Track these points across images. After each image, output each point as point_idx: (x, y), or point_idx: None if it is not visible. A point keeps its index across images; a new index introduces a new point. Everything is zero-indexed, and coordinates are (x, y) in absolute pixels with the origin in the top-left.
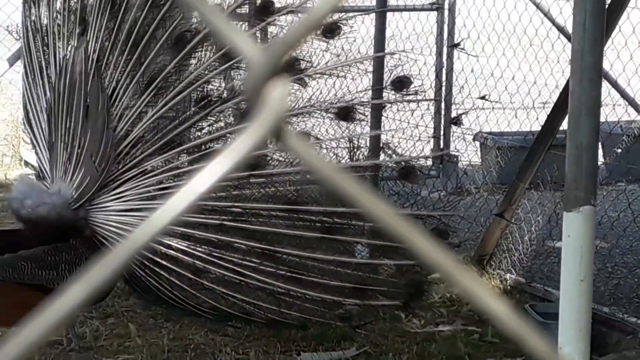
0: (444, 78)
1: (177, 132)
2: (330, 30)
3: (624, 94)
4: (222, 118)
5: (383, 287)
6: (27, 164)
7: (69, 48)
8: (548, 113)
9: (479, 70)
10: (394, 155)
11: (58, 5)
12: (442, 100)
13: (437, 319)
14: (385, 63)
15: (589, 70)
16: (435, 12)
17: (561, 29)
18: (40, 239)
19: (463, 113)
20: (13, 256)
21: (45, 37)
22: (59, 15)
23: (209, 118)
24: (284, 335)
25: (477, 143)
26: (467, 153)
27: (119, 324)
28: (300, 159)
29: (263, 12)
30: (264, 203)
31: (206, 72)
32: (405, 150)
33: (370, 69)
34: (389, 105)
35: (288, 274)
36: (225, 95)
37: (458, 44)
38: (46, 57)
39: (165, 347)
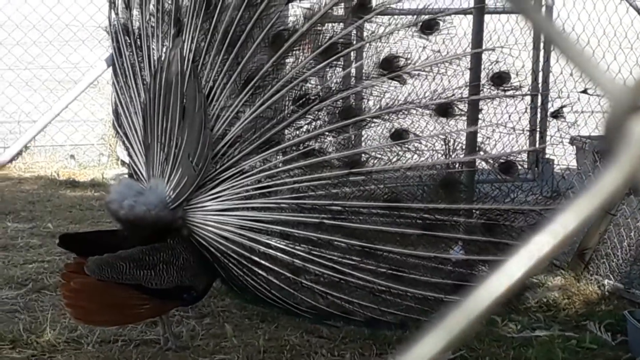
0: (540, 78)
1: (275, 131)
2: (429, 27)
3: None
4: (320, 116)
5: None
6: (124, 163)
7: (164, 49)
8: None
9: (578, 74)
10: (485, 153)
11: (151, 7)
12: (539, 97)
13: (533, 323)
14: (483, 60)
15: None
16: None
17: None
18: (138, 239)
19: (563, 106)
20: (112, 256)
21: (138, 39)
22: (152, 17)
23: (307, 117)
24: (379, 337)
25: (575, 147)
26: (565, 157)
27: (215, 324)
28: None
29: (360, 10)
30: (363, 201)
31: (304, 71)
32: (505, 146)
33: (469, 65)
34: (489, 101)
35: (388, 271)
36: (322, 93)
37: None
38: (139, 59)
39: (261, 348)
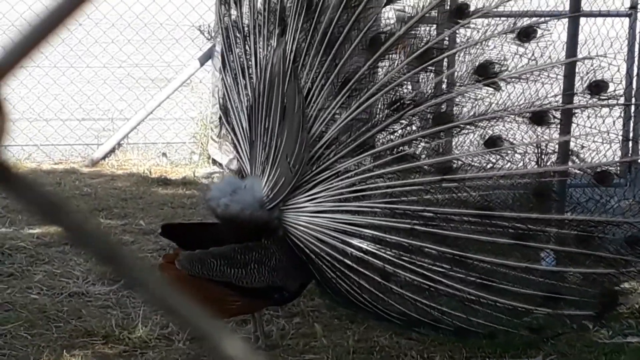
0: (634, 85)
1: (369, 134)
2: (526, 34)
3: None
4: (413, 122)
5: (575, 296)
6: (215, 162)
7: (269, 48)
8: None
9: None
10: (581, 162)
11: (259, 5)
12: (632, 105)
13: (625, 330)
14: (577, 68)
15: None
16: (628, 19)
17: None
18: (234, 236)
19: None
20: (203, 252)
21: (247, 37)
22: (259, 16)
23: (401, 121)
24: (514, 340)
25: None
26: None
27: (305, 324)
28: None
29: (458, 15)
30: (455, 208)
31: (399, 75)
32: (598, 156)
33: (563, 73)
34: (583, 109)
35: (478, 280)
36: (417, 98)
37: None
38: (247, 56)
39: (350, 349)
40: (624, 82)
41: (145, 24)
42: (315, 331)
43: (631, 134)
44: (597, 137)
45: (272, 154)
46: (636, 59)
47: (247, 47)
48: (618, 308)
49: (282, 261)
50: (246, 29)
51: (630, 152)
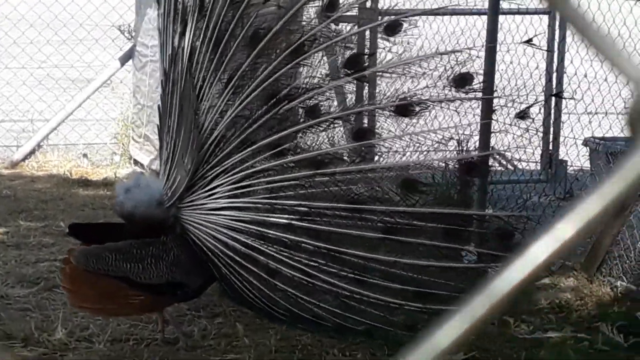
0: (554, 82)
1: (250, 130)
2: (392, 28)
3: None
4: (289, 117)
5: (445, 291)
6: (136, 162)
7: (173, 47)
8: None
9: (592, 75)
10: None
11: (170, 4)
12: (553, 101)
13: (545, 325)
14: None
15: None
16: (547, 16)
17: None
18: (133, 234)
19: (529, 107)
20: (99, 247)
21: (160, 36)
22: (170, 13)
23: (277, 117)
24: (390, 338)
25: (588, 148)
26: (579, 158)
27: (227, 324)
28: None
29: (329, 9)
30: (328, 202)
31: (275, 70)
32: (467, 147)
33: (433, 67)
34: (449, 102)
35: (351, 275)
36: (292, 93)
37: (530, 40)
38: (161, 55)
39: (272, 348)
40: (542, 81)
41: (64, 24)
42: (237, 331)
43: (552, 134)
44: (467, 130)
45: (170, 153)
46: (555, 57)
47: (161, 47)
48: (534, 300)
49: (181, 257)
50: (159, 28)
51: (551, 148)
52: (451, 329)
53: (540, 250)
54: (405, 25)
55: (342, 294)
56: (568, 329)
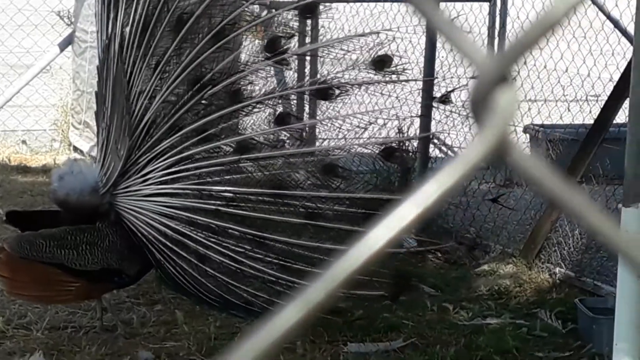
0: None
1: (178, 115)
2: (309, 11)
3: None
4: (213, 101)
5: (367, 276)
6: (76, 149)
7: (106, 33)
8: (601, 107)
9: (532, 62)
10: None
11: None
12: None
13: (485, 311)
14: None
15: None
16: (488, 3)
17: (616, 22)
18: (69, 221)
19: (450, 91)
20: (32, 234)
21: (96, 22)
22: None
23: (202, 102)
24: (331, 325)
25: (528, 135)
26: (517, 145)
27: (166, 311)
28: (525, 173)
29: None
30: (252, 188)
31: (198, 55)
32: (388, 132)
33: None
34: (370, 85)
35: (276, 261)
36: (215, 78)
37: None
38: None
39: (211, 335)
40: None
41: (2, 10)
42: (176, 318)
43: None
44: (386, 115)
45: (105, 139)
46: (496, 45)
47: (96, 33)
48: (413, 289)
49: (117, 244)
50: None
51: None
52: (287, 316)
53: (380, 234)
54: (321, 6)
55: (268, 279)
56: (507, 316)
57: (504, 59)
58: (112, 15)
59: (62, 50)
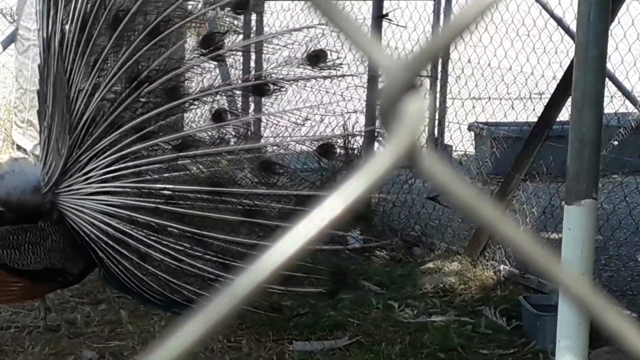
0: (439, 68)
1: (117, 113)
2: (241, 6)
3: (620, 87)
4: (151, 99)
5: (305, 273)
6: (19, 147)
7: (47, 31)
8: (545, 104)
9: (476, 60)
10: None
11: None
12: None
13: (430, 309)
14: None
15: (593, 62)
16: (432, 2)
17: (559, 21)
18: (10, 220)
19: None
20: None
21: (37, 20)
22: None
23: (140, 99)
24: (276, 323)
25: (472, 133)
26: (463, 143)
27: (110, 310)
28: (435, 181)
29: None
30: (190, 185)
31: (134, 52)
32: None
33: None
34: (307, 80)
35: (215, 259)
36: (152, 75)
37: (386, 15)
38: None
39: (156, 334)
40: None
41: None
42: (120, 317)
43: (437, 119)
44: (322, 109)
45: (47, 138)
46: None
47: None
48: (353, 285)
49: (59, 243)
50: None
51: (436, 135)
52: (210, 313)
53: (276, 257)
54: (252, 2)
55: (208, 277)
56: (452, 313)
57: (412, 65)
58: (52, 13)
59: (4, 48)
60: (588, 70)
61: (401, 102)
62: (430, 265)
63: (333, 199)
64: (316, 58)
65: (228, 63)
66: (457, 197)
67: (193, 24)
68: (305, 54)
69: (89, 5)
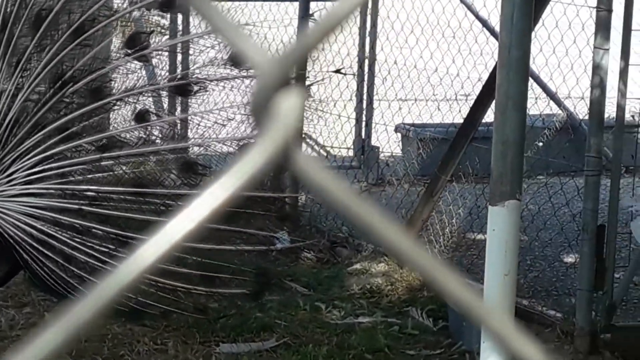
0: (366, 69)
1: (40, 114)
2: (168, 4)
3: (545, 89)
4: (74, 99)
5: (228, 274)
6: None
7: None
8: (470, 106)
9: (402, 62)
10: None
11: None
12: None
13: (357, 310)
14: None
15: (516, 63)
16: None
17: (484, 22)
18: None
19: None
20: None
21: None
22: None
23: (64, 99)
24: (202, 325)
25: (399, 135)
26: (389, 144)
27: (35, 314)
28: (311, 182)
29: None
30: (113, 186)
31: (58, 52)
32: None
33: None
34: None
35: None
36: (76, 75)
37: (312, 15)
38: None
39: (81, 338)
40: (354, 68)
41: None
42: (45, 321)
43: (364, 120)
44: (237, 111)
45: None
46: (367, 44)
47: None
48: (277, 286)
49: None
50: None
51: (363, 135)
52: (78, 313)
53: (147, 253)
54: (178, 1)
55: None
56: (379, 314)
57: (286, 60)
58: None
59: None
60: (511, 71)
61: (274, 99)
62: (358, 266)
63: (203, 199)
64: (239, 58)
65: (154, 63)
66: (332, 197)
67: (118, 23)
68: (228, 54)
69: (8, 5)
